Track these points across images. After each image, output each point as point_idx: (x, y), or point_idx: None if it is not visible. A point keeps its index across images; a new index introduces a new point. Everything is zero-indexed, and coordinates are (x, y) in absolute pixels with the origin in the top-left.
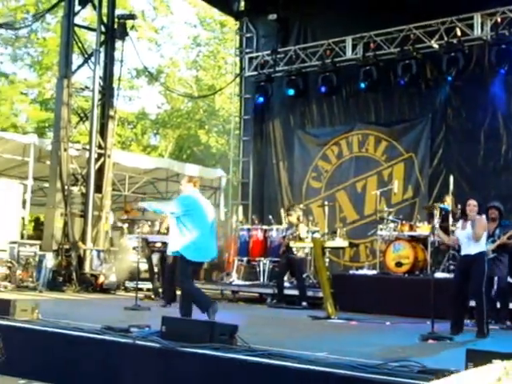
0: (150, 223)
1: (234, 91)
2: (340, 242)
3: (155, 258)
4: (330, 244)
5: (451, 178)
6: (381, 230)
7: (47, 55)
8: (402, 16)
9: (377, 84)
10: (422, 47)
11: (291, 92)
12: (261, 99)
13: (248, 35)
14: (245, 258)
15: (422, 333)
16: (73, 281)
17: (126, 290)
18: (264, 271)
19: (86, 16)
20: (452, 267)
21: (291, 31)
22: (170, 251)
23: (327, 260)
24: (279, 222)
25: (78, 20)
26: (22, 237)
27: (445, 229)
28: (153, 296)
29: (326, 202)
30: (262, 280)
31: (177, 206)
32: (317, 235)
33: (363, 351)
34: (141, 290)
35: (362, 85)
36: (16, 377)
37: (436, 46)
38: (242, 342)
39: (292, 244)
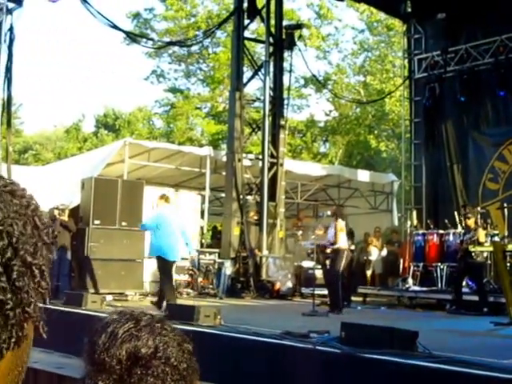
0: (323, 229)
1: (404, 94)
2: None
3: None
4: (511, 248)
5: None
6: None
7: (218, 69)
8: None
9: None
10: None
11: (463, 99)
12: (429, 101)
13: (416, 36)
14: (421, 264)
15: None
16: (251, 287)
17: (302, 296)
18: (441, 276)
19: (254, 29)
20: None
21: (461, 29)
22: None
23: (508, 264)
24: (455, 226)
25: (246, 33)
26: (202, 245)
27: None
28: (329, 302)
29: (505, 204)
30: (439, 285)
31: (149, 222)
32: (496, 239)
33: None
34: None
35: None
36: (202, 381)
37: None
38: (422, 348)
39: (471, 248)
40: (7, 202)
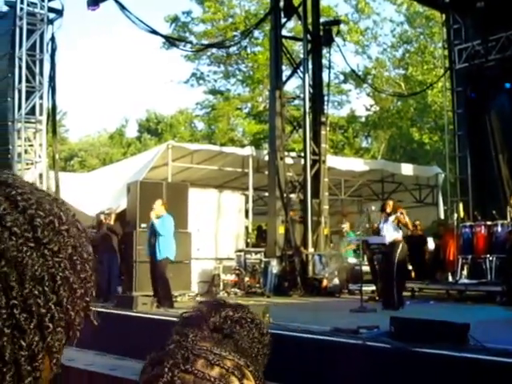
0: (367, 225)
1: (445, 85)
2: None
3: (377, 259)
4: None
5: None
6: None
7: (257, 69)
8: None
9: None
10: None
11: (508, 85)
12: (473, 94)
13: (455, 26)
14: (469, 256)
15: None
16: (298, 285)
17: (350, 292)
18: (491, 268)
19: (291, 27)
20: None
21: (501, 17)
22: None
23: None
24: (503, 217)
25: (284, 32)
26: (247, 245)
27: None
28: (377, 297)
29: None
30: (489, 277)
31: (165, 227)
32: None
33: None
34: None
35: None
36: None
37: None
38: (474, 341)
39: None
40: None
